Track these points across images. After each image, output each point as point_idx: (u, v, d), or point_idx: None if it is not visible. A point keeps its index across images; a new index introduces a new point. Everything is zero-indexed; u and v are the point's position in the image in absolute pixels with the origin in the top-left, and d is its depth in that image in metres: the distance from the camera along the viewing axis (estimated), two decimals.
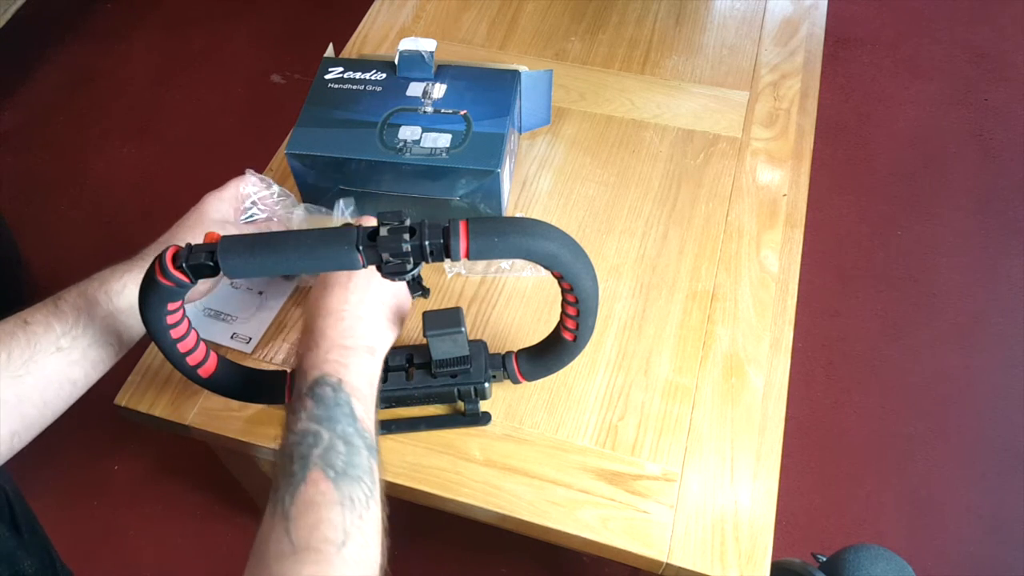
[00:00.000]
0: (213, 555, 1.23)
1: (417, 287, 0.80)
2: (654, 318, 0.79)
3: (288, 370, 0.69)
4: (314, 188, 0.83)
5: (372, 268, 0.53)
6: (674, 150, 0.93)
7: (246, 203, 0.75)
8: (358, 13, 1.10)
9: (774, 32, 1.07)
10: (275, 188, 0.78)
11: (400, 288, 0.64)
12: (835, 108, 1.77)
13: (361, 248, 0.50)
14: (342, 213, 0.80)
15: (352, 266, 0.51)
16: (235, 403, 0.73)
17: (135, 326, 0.62)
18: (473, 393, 0.70)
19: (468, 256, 0.51)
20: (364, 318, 0.58)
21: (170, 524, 1.26)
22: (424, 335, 0.65)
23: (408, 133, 0.80)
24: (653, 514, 0.67)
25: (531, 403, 0.74)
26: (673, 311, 0.80)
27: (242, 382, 0.67)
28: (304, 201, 0.83)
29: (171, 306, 0.55)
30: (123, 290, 0.61)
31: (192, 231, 0.67)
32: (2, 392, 0.55)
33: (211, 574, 1.22)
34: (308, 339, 0.57)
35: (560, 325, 0.63)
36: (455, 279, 0.83)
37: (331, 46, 0.92)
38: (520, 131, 0.93)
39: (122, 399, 0.75)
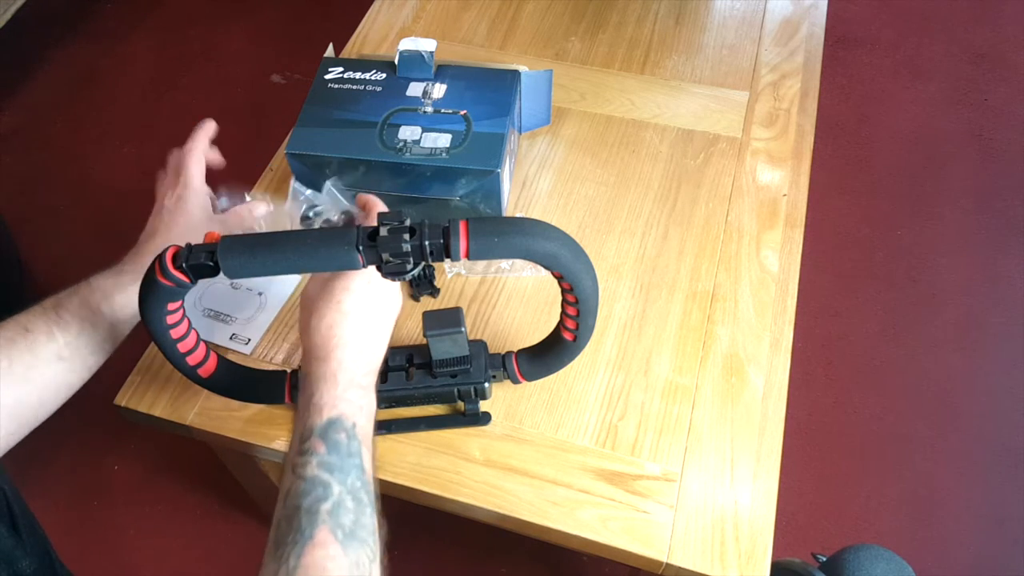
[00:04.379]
0: (213, 555, 1.23)
1: (428, 286, 0.81)
2: (654, 318, 0.79)
3: (288, 370, 0.69)
4: (314, 188, 0.83)
5: (372, 270, 0.53)
6: (674, 150, 0.93)
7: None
8: (358, 13, 1.10)
9: (774, 32, 1.07)
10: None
11: (396, 294, 0.60)
12: (835, 108, 1.77)
13: (361, 248, 0.50)
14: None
15: (352, 266, 0.51)
16: (235, 403, 0.73)
17: (131, 331, 0.63)
18: (473, 393, 0.70)
19: (468, 256, 0.51)
20: (376, 336, 0.56)
21: (170, 524, 1.26)
22: (424, 335, 0.65)
23: (408, 133, 0.80)
24: (653, 514, 0.67)
25: (531, 403, 0.74)
26: (673, 311, 0.80)
27: (242, 382, 0.67)
28: None
29: (171, 306, 0.55)
30: (127, 303, 0.61)
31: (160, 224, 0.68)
32: (2, 398, 0.55)
33: (211, 574, 1.22)
34: (323, 366, 0.53)
35: (560, 325, 0.63)
36: (455, 279, 0.83)
37: (331, 46, 0.92)
38: (520, 131, 0.93)
39: (122, 399, 0.75)
